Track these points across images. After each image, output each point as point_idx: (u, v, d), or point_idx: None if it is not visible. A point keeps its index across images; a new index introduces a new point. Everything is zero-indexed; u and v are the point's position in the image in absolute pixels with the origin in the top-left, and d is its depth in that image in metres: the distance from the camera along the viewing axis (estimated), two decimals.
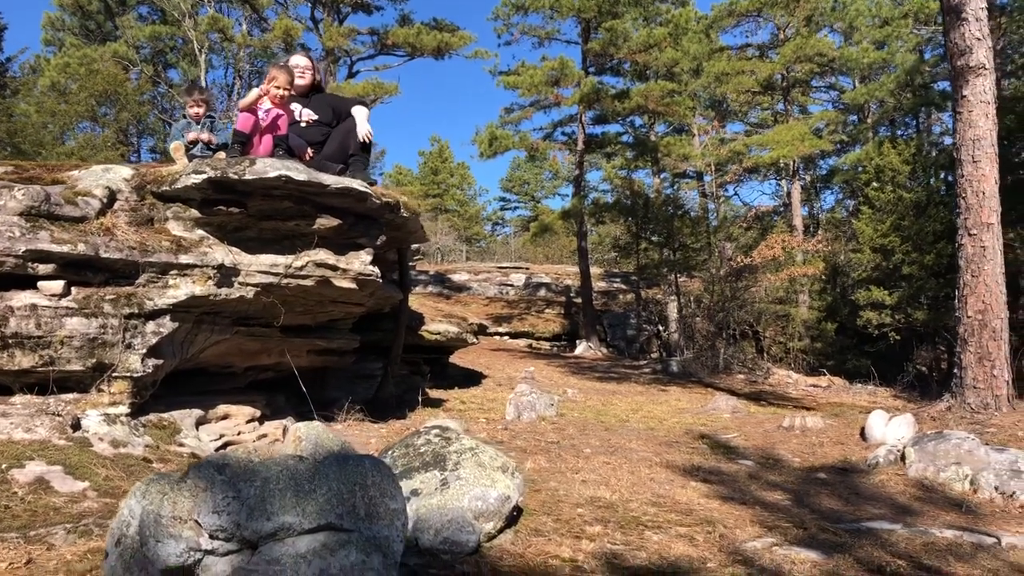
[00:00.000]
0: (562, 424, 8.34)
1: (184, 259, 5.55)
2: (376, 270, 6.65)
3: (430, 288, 30.60)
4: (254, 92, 6.29)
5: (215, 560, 2.78)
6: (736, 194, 33.81)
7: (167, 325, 5.47)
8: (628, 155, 29.24)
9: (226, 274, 5.82)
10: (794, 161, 26.21)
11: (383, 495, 3.02)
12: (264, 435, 6.53)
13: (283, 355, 7.38)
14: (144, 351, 5.31)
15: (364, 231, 6.56)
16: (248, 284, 6.02)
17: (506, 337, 26.76)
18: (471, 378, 14.20)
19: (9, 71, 33.19)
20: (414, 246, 10.03)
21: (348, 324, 8.20)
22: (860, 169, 24.12)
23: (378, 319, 9.49)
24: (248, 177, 5.61)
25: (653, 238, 23.24)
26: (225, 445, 6.05)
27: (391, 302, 8.49)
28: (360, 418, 7.83)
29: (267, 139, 6.31)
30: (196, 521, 2.77)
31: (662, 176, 31.52)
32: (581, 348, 24.68)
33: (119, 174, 5.86)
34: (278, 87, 6.22)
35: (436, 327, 12.20)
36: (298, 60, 7.15)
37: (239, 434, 6.30)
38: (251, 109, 6.25)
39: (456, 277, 32.80)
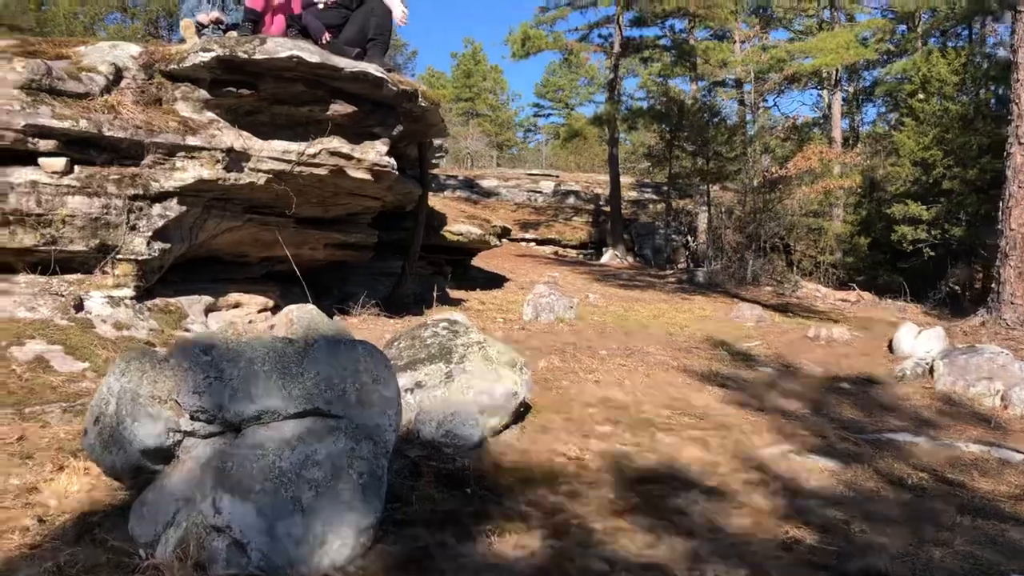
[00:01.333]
0: (580, 327, 8.18)
1: (192, 141, 5.35)
2: (392, 161, 6.42)
3: (458, 192, 30.25)
4: None
5: (196, 442, 2.65)
6: (775, 105, 32.75)
7: (174, 208, 5.31)
8: (666, 60, 28.35)
9: (236, 159, 5.62)
10: (837, 71, 25.28)
11: (376, 382, 2.86)
12: (275, 325, 6.43)
13: (299, 247, 7.23)
14: (150, 234, 5.17)
15: (380, 120, 6.31)
16: (259, 170, 5.83)
17: (532, 243, 26.51)
18: (493, 281, 14.05)
19: None
20: (436, 142, 9.77)
21: (367, 219, 8.01)
22: (905, 79, 23.25)
23: (399, 218, 9.30)
24: (258, 57, 5.36)
25: (687, 146, 22.65)
26: None
27: (410, 198, 8.28)
28: (376, 313, 7.72)
29: (280, 19, 6.03)
30: (176, 401, 2.64)
31: (700, 84, 30.65)
32: (607, 256, 24.43)
33: (126, 51, 5.62)
34: None
35: (459, 228, 12.00)
36: None
37: (250, 323, 6.20)
38: None
39: (485, 183, 32.38)
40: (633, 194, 30.76)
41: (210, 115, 5.66)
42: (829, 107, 31.01)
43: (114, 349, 4.50)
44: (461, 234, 11.97)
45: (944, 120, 18.11)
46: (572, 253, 26.75)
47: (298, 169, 6.01)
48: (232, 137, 5.62)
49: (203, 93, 5.58)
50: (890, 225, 21.17)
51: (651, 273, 21.46)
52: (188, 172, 5.34)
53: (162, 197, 5.25)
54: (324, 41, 6.28)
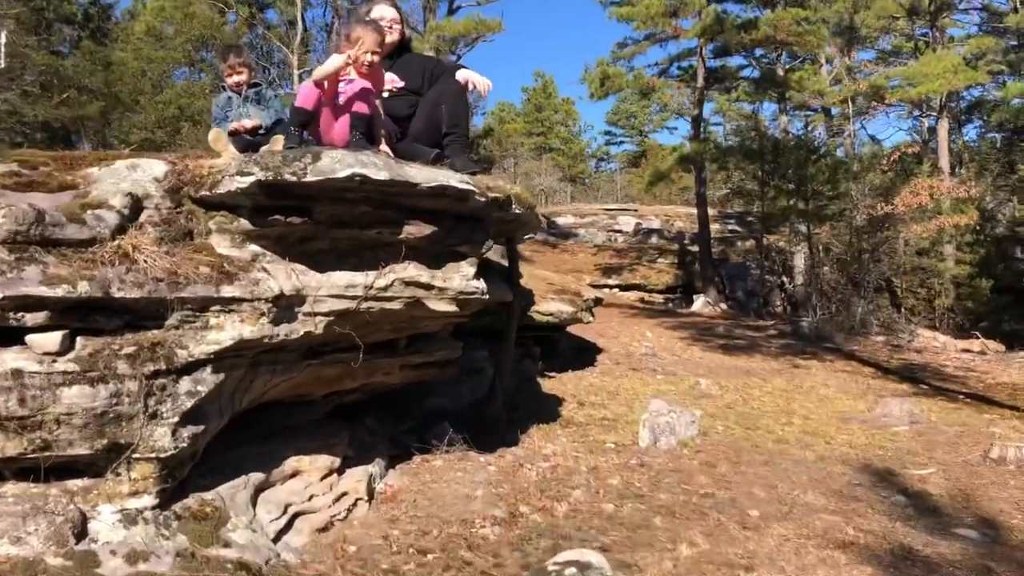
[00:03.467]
0: (709, 453, 6.76)
1: (228, 291, 4.14)
2: (481, 285, 5.14)
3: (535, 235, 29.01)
4: (336, 60, 4.75)
5: None
6: (863, 127, 30.66)
7: (207, 380, 4.09)
8: (748, 89, 26.77)
9: (286, 305, 4.40)
10: (942, 96, 23.33)
11: None
12: (343, 494, 5.19)
13: (370, 375, 6.01)
14: (176, 419, 3.95)
15: (466, 236, 5.04)
16: (317, 313, 4.60)
17: (616, 290, 25.06)
18: (584, 354, 12.67)
19: (112, 18, 32.79)
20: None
21: (449, 330, 6.76)
22: None
23: None
24: (310, 178, 4.14)
25: (784, 185, 20.93)
26: (291, 521, 4.72)
27: (500, 301, 6.99)
28: (464, 449, 6.41)
29: (344, 120, 4.83)
30: None
31: (789, 113, 29.01)
32: (698, 304, 22.82)
33: (148, 172, 4.46)
34: (366, 51, 4.72)
35: (548, 307, 10.68)
36: (383, 11, 5.57)
37: (310, 499, 4.95)
38: (321, 84, 4.76)
39: (561, 221, 31.05)
40: (716, 227, 29.09)
41: (253, 248, 4.46)
42: (929, 132, 29.03)
43: None
44: (551, 314, 10.66)
45: None
46: (659, 299, 25.23)
47: (365, 305, 4.78)
48: (281, 277, 4.41)
49: (243, 223, 4.39)
50: (1010, 264, 19.23)
51: (749, 324, 19.81)
52: (225, 332, 4.13)
53: (191, 368, 4.04)
54: (391, 141, 5.08)
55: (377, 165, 4.28)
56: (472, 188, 4.71)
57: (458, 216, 4.94)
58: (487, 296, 5.23)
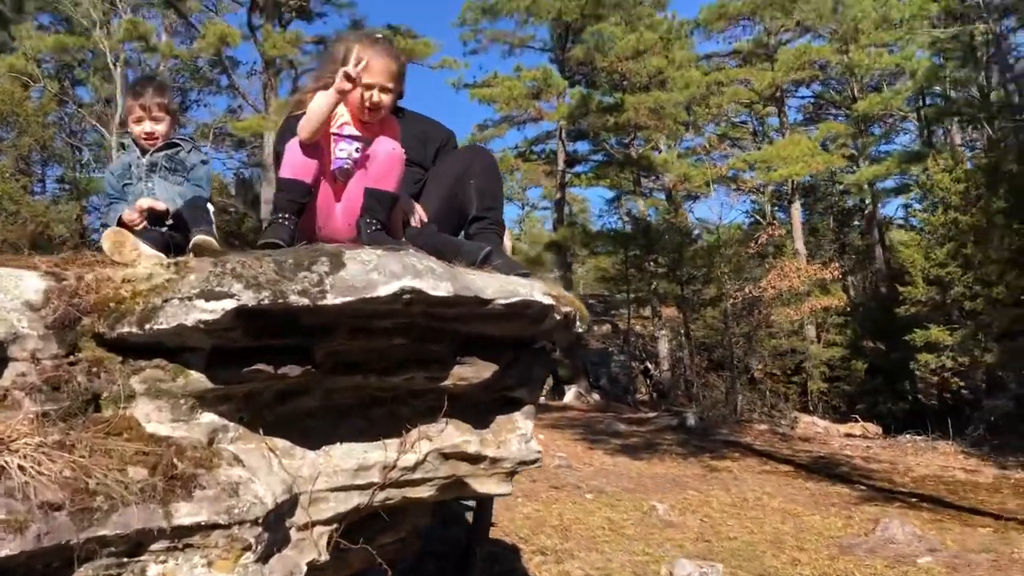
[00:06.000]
0: None
1: (186, 512, 2.24)
2: (539, 449, 3.42)
3: None
4: (322, 99, 2.89)
5: None
6: (691, 211, 30.92)
7: None
8: (599, 173, 26.40)
9: (275, 522, 2.53)
10: (792, 180, 23.69)
11: None
12: None
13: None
14: None
15: (523, 374, 3.33)
16: (317, 523, 2.75)
17: None
18: None
19: None
20: None
21: None
22: (880, 187, 21.78)
23: None
24: (332, 300, 2.36)
25: (658, 269, 20.32)
26: None
27: None
28: None
29: (356, 203, 3.03)
30: None
31: (626, 196, 28.92)
32: (570, 395, 21.62)
33: (14, 294, 2.49)
34: (371, 85, 2.91)
35: None
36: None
37: None
38: (314, 148, 2.95)
39: None
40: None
41: (209, 420, 2.58)
42: (770, 215, 29.67)
43: None
44: None
45: (954, 233, 16.24)
46: None
47: (381, 496, 2.97)
48: (261, 468, 2.55)
49: (196, 379, 2.50)
50: (884, 346, 19.33)
51: (630, 418, 18.74)
52: None
53: None
54: (415, 223, 3.36)
55: (435, 272, 2.55)
56: (553, 303, 3.04)
57: (516, 345, 3.25)
58: (541, 464, 3.51)
